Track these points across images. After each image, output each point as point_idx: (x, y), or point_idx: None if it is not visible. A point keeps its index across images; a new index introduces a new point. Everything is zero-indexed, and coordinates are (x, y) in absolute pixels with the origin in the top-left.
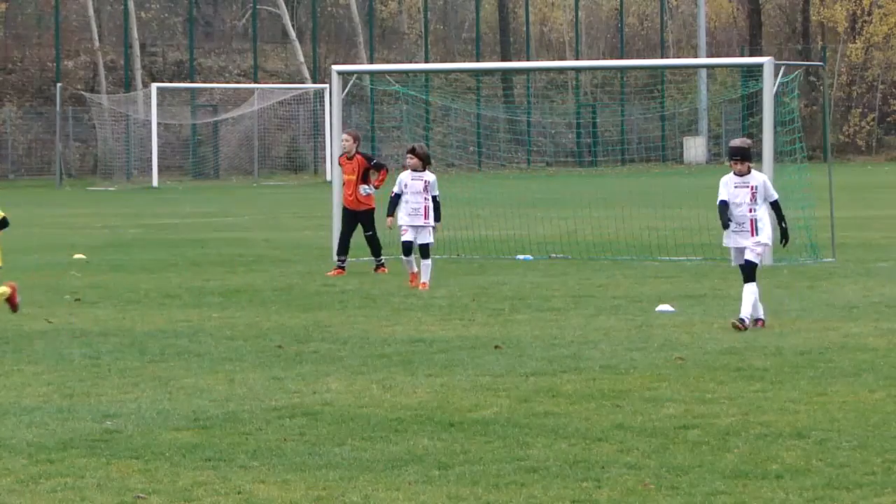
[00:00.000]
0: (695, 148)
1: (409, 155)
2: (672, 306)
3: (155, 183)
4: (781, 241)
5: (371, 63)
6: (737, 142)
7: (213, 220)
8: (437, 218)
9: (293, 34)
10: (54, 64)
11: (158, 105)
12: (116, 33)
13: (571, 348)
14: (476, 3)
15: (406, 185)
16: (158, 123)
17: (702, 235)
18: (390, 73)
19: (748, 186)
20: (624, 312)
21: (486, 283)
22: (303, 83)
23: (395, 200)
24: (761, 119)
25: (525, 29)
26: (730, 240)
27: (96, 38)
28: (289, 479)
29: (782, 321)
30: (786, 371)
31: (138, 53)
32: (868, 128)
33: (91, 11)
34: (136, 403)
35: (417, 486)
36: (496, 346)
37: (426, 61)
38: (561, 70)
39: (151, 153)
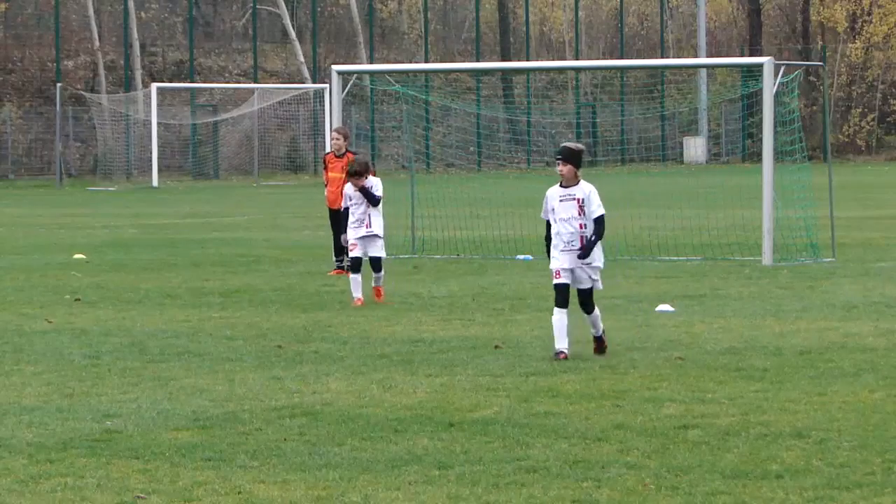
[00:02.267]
0: (695, 148)
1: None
2: (672, 306)
3: (155, 183)
4: (579, 252)
5: (371, 63)
6: (568, 143)
7: (213, 220)
8: (375, 202)
9: (293, 34)
10: (54, 64)
11: (158, 105)
12: (116, 33)
13: (572, 348)
14: (476, 3)
15: (351, 198)
16: (158, 123)
17: (702, 235)
18: (390, 73)
19: (574, 199)
20: (624, 313)
21: (486, 283)
22: (303, 83)
23: (347, 214)
24: (761, 119)
25: (525, 29)
26: (556, 261)
27: (96, 38)
28: (289, 479)
29: (782, 321)
30: (786, 371)
31: (138, 53)
32: (868, 128)
33: (91, 11)
34: (136, 403)
35: (417, 486)
36: (496, 346)
37: (426, 61)
38: (561, 70)
39: (151, 153)
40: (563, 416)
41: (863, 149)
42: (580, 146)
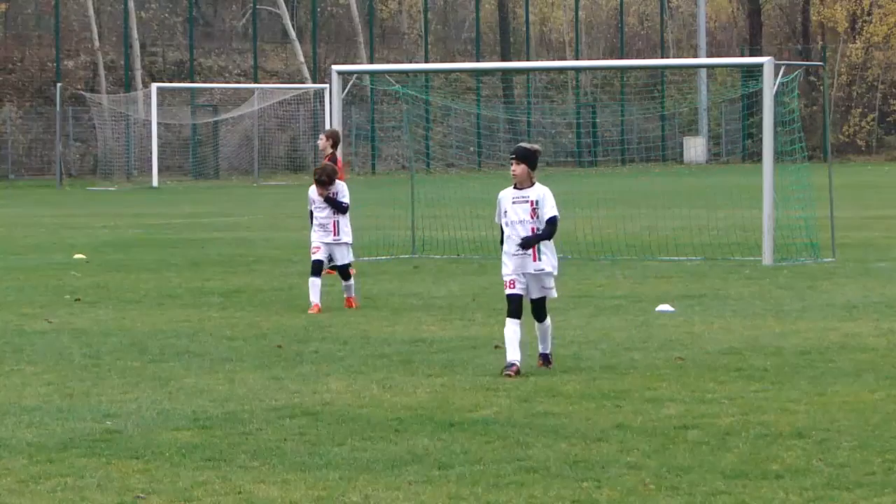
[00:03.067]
0: (695, 148)
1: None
2: (672, 306)
3: (155, 183)
4: (519, 243)
5: (371, 63)
6: (524, 143)
7: (213, 220)
8: (342, 211)
9: (293, 34)
10: (54, 64)
11: (158, 105)
12: (116, 33)
13: (572, 348)
14: (476, 3)
15: (314, 202)
16: (158, 123)
17: (702, 235)
18: (390, 73)
19: (527, 201)
20: (624, 312)
21: (486, 283)
22: (303, 83)
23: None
24: (761, 119)
25: (525, 29)
26: (507, 267)
27: (96, 38)
28: (289, 479)
29: (782, 321)
30: (786, 371)
31: (138, 53)
32: (868, 128)
33: (91, 11)
34: (136, 403)
35: (417, 486)
36: (496, 346)
37: (426, 61)
38: (561, 70)
39: (151, 153)
40: (563, 416)
41: (863, 149)
42: (536, 147)
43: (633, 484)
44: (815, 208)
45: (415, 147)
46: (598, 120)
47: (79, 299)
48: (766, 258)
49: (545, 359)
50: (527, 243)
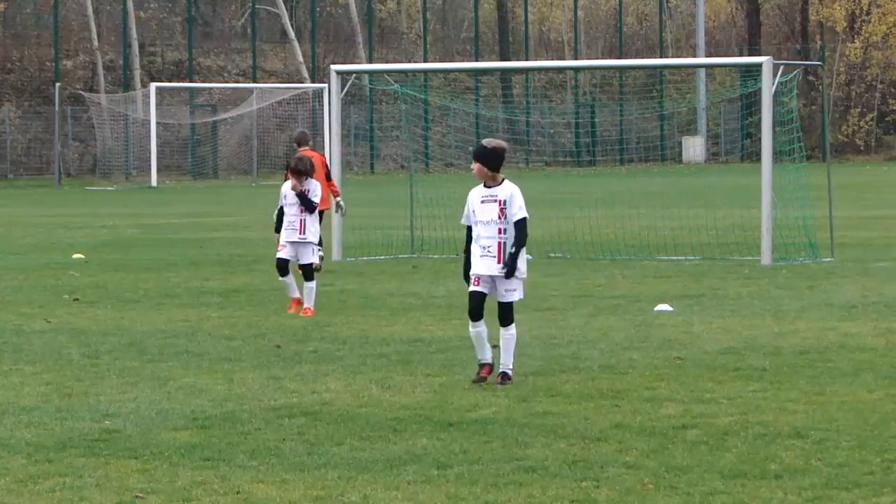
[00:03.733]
0: (693, 147)
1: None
2: (671, 306)
3: (154, 183)
4: (502, 269)
5: (370, 63)
6: (485, 141)
7: (213, 220)
8: (311, 209)
9: (292, 34)
10: (53, 64)
11: (157, 105)
12: (115, 33)
13: (571, 348)
14: (475, 3)
15: (285, 197)
16: (157, 123)
17: (700, 235)
18: (389, 72)
19: (496, 201)
20: (623, 312)
21: None
22: (302, 83)
23: (281, 214)
24: (760, 119)
25: (524, 29)
26: (476, 267)
27: (95, 37)
28: (288, 479)
29: (781, 321)
30: (785, 371)
31: (137, 53)
32: (867, 127)
33: (90, 11)
34: (135, 403)
35: (416, 486)
36: (495, 346)
37: (425, 61)
38: (560, 70)
39: (150, 153)
40: (561, 416)
41: (862, 148)
42: (496, 144)
43: (632, 483)
44: (814, 208)
45: (413, 147)
46: (596, 120)
47: (77, 299)
48: (765, 258)
49: (503, 376)
50: (510, 272)
